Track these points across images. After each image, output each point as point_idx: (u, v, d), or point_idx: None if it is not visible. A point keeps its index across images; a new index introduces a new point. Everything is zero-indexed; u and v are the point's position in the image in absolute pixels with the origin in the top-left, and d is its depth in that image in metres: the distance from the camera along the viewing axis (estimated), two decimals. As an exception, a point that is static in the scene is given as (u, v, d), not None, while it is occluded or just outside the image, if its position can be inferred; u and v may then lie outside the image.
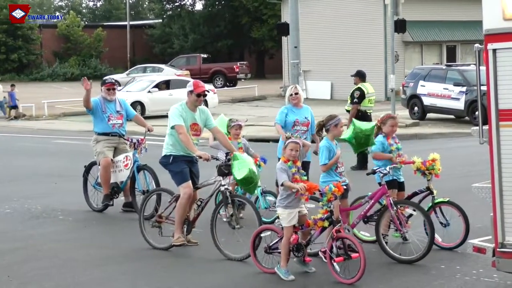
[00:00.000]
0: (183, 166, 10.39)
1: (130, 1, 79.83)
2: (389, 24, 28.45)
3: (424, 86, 29.49)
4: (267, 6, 58.77)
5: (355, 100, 17.43)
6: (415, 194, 10.41)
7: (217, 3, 68.76)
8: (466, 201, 10.83)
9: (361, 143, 10.35)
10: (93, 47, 68.44)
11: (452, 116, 29.35)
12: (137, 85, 35.14)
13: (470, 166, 17.08)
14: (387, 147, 10.36)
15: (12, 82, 45.59)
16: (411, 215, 9.97)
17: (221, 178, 10.07)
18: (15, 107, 36.37)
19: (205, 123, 10.64)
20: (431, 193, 10.23)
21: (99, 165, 13.16)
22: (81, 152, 22.03)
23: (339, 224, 8.94)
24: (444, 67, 30.94)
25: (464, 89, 27.67)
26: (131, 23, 71.20)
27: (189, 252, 10.38)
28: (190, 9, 71.66)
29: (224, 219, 10.39)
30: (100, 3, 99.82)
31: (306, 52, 35.52)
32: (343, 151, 10.01)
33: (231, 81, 53.78)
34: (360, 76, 17.89)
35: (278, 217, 9.27)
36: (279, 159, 9.68)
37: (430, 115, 29.84)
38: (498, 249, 7.66)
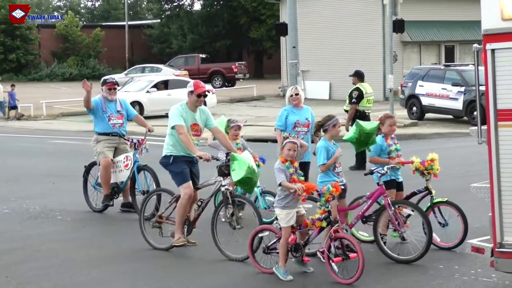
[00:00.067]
0: (183, 167, 10.38)
1: (129, 1, 79.79)
2: (388, 24, 28.48)
3: (423, 86, 29.50)
4: (265, 6, 58.80)
5: (354, 100, 17.43)
6: (413, 194, 10.42)
7: (215, 3, 68.76)
8: (465, 201, 10.83)
9: (362, 142, 10.32)
10: (92, 47, 68.45)
11: (450, 116, 29.36)
12: (136, 85, 35.14)
13: (469, 166, 17.09)
14: (386, 147, 10.35)
15: (10, 82, 45.55)
16: (409, 215, 9.97)
17: (221, 178, 10.05)
18: (14, 107, 36.32)
19: (206, 123, 10.63)
20: (430, 193, 10.23)
21: (99, 165, 13.14)
22: (79, 152, 22.03)
23: (337, 224, 8.94)
24: (442, 67, 30.95)
25: (462, 89, 27.67)
26: (130, 23, 71.17)
27: (189, 252, 10.37)
28: (188, 9, 71.69)
29: (223, 219, 10.40)
30: (99, 3, 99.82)
31: (305, 52, 35.51)
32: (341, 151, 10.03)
33: (229, 81, 53.80)
34: (359, 76, 17.89)
35: (276, 218, 9.26)
36: None
37: (428, 115, 29.85)
38: (496, 249, 7.66)
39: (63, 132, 29.93)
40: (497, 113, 7.48)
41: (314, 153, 10.99)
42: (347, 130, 17.48)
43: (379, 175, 9.87)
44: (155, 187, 12.39)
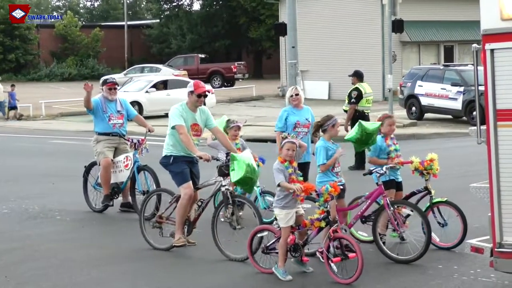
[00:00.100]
0: (183, 167, 10.37)
1: (128, 1, 79.77)
2: (387, 24, 28.48)
3: (422, 86, 29.51)
4: (264, 6, 58.81)
5: (353, 100, 17.43)
6: (413, 194, 10.42)
7: (214, 3, 68.77)
8: (464, 201, 10.83)
9: (363, 141, 10.32)
10: (91, 47, 68.44)
11: (449, 116, 29.37)
12: (135, 85, 35.14)
13: (468, 166, 17.09)
14: (385, 148, 10.36)
15: (9, 82, 45.55)
16: (408, 215, 9.97)
17: (221, 178, 10.04)
18: (14, 107, 36.30)
19: (206, 123, 10.62)
20: (429, 193, 10.23)
21: (99, 165, 13.12)
22: (78, 152, 22.02)
23: (336, 224, 8.94)
24: (441, 67, 30.96)
25: (461, 89, 27.68)
26: (129, 23, 71.13)
27: (189, 252, 10.36)
28: (187, 9, 71.70)
29: (222, 219, 10.38)
30: (98, 3, 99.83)
31: (304, 52, 35.52)
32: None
33: (228, 81, 53.80)
34: (358, 76, 17.89)
35: (276, 218, 9.26)
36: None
37: (427, 115, 29.86)
38: (496, 249, 7.66)
39: (62, 132, 29.92)
40: (497, 113, 7.48)
41: (314, 154, 11.00)
42: (346, 130, 17.48)
43: (378, 175, 9.87)
44: (155, 187, 12.37)
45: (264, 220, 10.88)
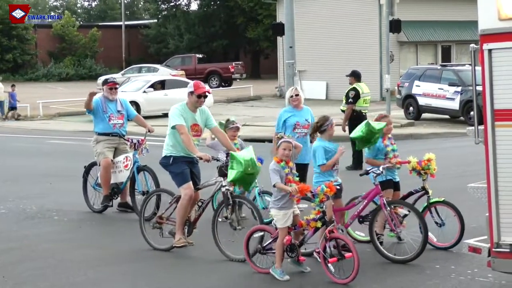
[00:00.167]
0: (183, 167, 10.33)
1: (125, 1, 79.76)
2: (384, 24, 28.48)
3: (419, 86, 29.53)
4: (262, 6, 58.82)
5: (350, 100, 17.43)
6: (410, 194, 10.42)
7: (212, 3, 68.76)
8: (461, 201, 10.84)
9: (366, 141, 10.31)
10: (88, 47, 68.41)
11: (447, 116, 29.40)
12: (132, 85, 35.12)
13: (465, 166, 17.10)
14: (383, 148, 10.37)
15: (7, 82, 45.50)
16: (406, 215, 9.98)
17: (221, 179, 10.02)
18: (14, 108, 36.26)
19: (206, 123, 10.60)
20: (427, 193, 10.24)
21: (99, 165, 13.09)
22: (76, 152, 22.01)
23: (332, 225, 8.93)
24: (439, 67, 30.99)
25: (459, 89, 27.72)
26: (126, 23, 71.14)
27: (188, 253, 10.33)
28: (185, 9, 71.67)
29: (220, 219, 10.36)
30: (95, 3, 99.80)
31: (302, 52, 35.52)
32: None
33: (226, 81, 53.81)
34: (355, 76, 17.89)
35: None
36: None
37: (425, 115, 29.88)
38: (493, 249, 7.66)
39: (60, 132, 29.90)
40: (494, 113, 7.48)
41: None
42: (344, 130, 17.55)
43: (375, 175, 9.87)
44: (154, 188, 12.33)
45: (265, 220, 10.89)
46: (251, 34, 62.75)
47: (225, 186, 9.94)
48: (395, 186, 10.45)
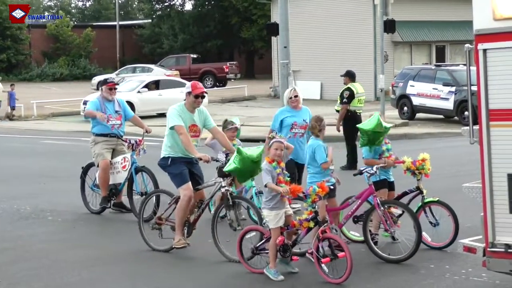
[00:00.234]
0: (182, 168, 10.30)
1: (120, 1, 79.65)
2: (379, 24, 28.49)
3: (414, 86, 29.56)
4: (256, 6, 58.82)
5: (345, 100, 17.43)
6: (405, 193, 10.42)
7: (206, 3, 68.74)
8: (456, 200, 10.84)
9: (370, 141, 10.29)
10: (83, 47, 68.31)
11: (441, 116, 29.45)
12: (127, 85, 35.05)
13: (459, 166, 17.12)
14: (378, 148, 10.38)
15: (4, 82, 45.40)
16: (400, 214, 9.99)
17: (221, 179, 10.00)
18: (13, 107, 36.19)
19: (204, 123, 10.57)
20: (421, 192, 10.24)
21: (97, 166, 13.04)
22: (70, 152, 22.00)
23: (325, 224, 8.93)
24: (433, 67, 31.04)
25: (453, 89, 27.76)
26: (121, 23, 71.06)
27: (187, 253, 10.30)
28: (179, 9, 71.62)
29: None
30: (89, 3, 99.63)
31: (296, 52, 35.53)
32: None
33: (220, 81, 53.78)
34: (350, 76, 17.88)
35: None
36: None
37: (419, 115, 29.92)
38: (488, 249, 7.67)
39: (54, 132, 29.84)
40: (489, 113, 7.49)
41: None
42: (338, 130, 17.58)
43: (368, 175, 9.87)
44: (153, 188, 12.29)
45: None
46: (245, 34, 62.75)
47: (225, 186, 9.92)
48: (390, 186, 10.46)
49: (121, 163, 12.82)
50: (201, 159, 10.04)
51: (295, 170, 11.64)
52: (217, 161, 10.32)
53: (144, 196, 11.81)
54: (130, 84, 35.03)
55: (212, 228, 9.97)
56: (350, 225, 10.43)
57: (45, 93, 47.96)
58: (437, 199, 10.29)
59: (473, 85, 7.81)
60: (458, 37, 41.51)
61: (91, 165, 13.48)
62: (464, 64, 25.43)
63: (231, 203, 9.83)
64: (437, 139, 24.60)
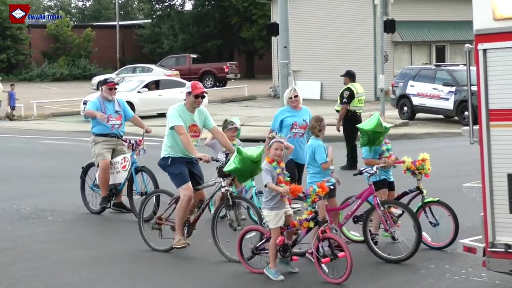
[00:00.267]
0: (182, 168, 10.29)
1: (120, 1, 79.64)
2: (379, 24, 28.49)
3: (414, 86, 29.56)
4: (256, 6, 58.82)
5: (345, 100, 17.42)
6: (405, 193, 10.42)
7: (206, 3, 68.73)
8: (456, 200, 10.84)
9: (370, 140, 10.29)
10: (82, 47, 68.29)
11: (441, 116, 29.45)
12: (127, 85, 35.05)
13: (459, 166, 17.12)
14: (378, 148, 10.38)
15: (2, 82, 45.40)
16: (400, 214, 9.99)
17: (221, 179, 9.99)
18: (13, 107, 36.19)
19: (204, 123, 10.56)
20: (421, 192, 10.24)
21: (97, 167, 13.03)
22: (70, 152, 22.00)
23: (325, 224, 8.93)
24: (433, 67, 31.04)
25: (453, 89, 27.77)
26: (121, 23, 71.04)
27: (186, 253, 10.29)
28: (179, 9, 71.62)
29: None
30: (89, 3, 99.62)
31: (296, 52, 35.52)
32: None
33: (220, 81, 53.78)
34: (350, 76, 17.88)
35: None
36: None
37: (419, 115, 29.92)
38: (488, 249, 7.67)
39: (54, 132, 29.84)
40: (489, 113, 7.49)
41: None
42: (338, 130, 17.57)
43: (368, 175, 9.88)
44: (153, 188, 12.28)
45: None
46: (245, 34, 62.75)
47: (225, 187, 9.91)
48: (390, 186, 10.46)
49: (121, 163, 12.81)
50: (201, 159, 10.04)
51: (295, 170, 11.64)
52: (217, 161, 10.31)
53: (144, 196, 11.80)
54: (130, 84, 35.03)
55: (212, 228, 9.96)
56: (350, 225, 10.43)
57: (45, 93, 47.96)
58: (437, 199, 10.29)
59: (473, 85, 7.81)
60: (458, 37, 41.51)
61: (91, 165, 13.47)
62: (464, 64, 25.43)
63: (231, 203, 9.82)
64: (437, 139, 24.60)
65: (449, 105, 27.93)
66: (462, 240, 8.35)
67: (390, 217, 9.83)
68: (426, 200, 10.23)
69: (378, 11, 27.97)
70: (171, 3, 71.52)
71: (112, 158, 12.94)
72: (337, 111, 17.94)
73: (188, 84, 10.66)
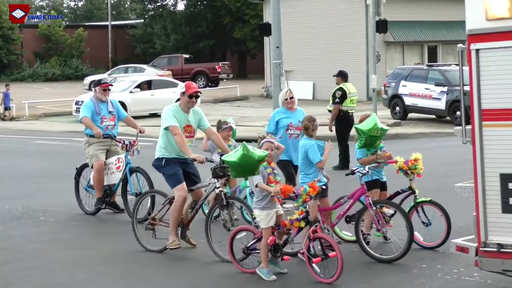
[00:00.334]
0: (176, 168, 10.28)
1: (112, 1, 79.55)
2: (371, 24, 28.52)
3: (406, 86, 29.60)
4: (249, 6, 58.80)
5: (337, 100, 17.43)
6: (397, 193, 10.43)
7: (199, 3, 68.68)
8: (448, 200, 10.86)
9: (367, 144, 10.28)
10: (75, 47, 68.15)
11: (433, 116, 29.50)
12: (119, 86, 34.97)
13: (451, 165, 17.14)
14: (373, 150, 10.39)
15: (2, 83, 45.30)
16: (392, 214, 10.00)
17: (215, 180, 9.97)
18: (7, 108, 36.08)
19: (199, 124, 10.55)
20: (413, 192, 10.25)
21: (91, 168, 12.99)
22: (62, 152, 21.94)
23: (315, 224, 8.93)
24: (425, 67, 31.08)
25: (445, 89, 27.81)
26: (113, 23, 70.95)
27: (180, 253, 10.28)
28: (172, 9, 71.54)
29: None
30: (82, 3, 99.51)
31: (288, 52, 35.53)
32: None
33: (213, 81, 53.76)
34: (342, 76, 17.89)
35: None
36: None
37: (411, 115, 29.96)
38: (481, 249, 7.68)
39: (46, 132, 29.76)
40: (482, 113, 7.50)
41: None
42: (331, 130, 17.58)
43: (360, 175, 9.88)
44: (148, 189, 12.23)
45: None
46: (237, 34, 62.74)
47: (219, 187, 9.90)
48: (382, 186, 10.47)
49: (115, 163, 12.78)
50: (195, 160, 10.03)
51: (292, 170, 11.63)
52: (211, 162, 10.30)
53: (137, 197, 11.77)
54: (122, 84, 34.98)
55: (205, 228, 9.96)
56: (342, 225, 10.44)
57: (37, 93, 47.84)
58: (429, 199, 10.30)
59: (465, 85, 7.82)
60: (450, 37, 41.58)
61: (85, 166, 13.44)
62: (456, 64, 25.50)
63: (225, 203, 9.81)
64: (429, 139, 24.63)
65: (441, 105, 27.98)
66: (455, 239, 8.36)
67: (382, 217, 9.84)
68: (418, 200, 10.24)
69: (370, 11, 27.99)
70: (163, 3, 71.47)
71: (106, 159, 12.91)
72: (330, 111, 17.95)
73: (182, 84, 10.63)
